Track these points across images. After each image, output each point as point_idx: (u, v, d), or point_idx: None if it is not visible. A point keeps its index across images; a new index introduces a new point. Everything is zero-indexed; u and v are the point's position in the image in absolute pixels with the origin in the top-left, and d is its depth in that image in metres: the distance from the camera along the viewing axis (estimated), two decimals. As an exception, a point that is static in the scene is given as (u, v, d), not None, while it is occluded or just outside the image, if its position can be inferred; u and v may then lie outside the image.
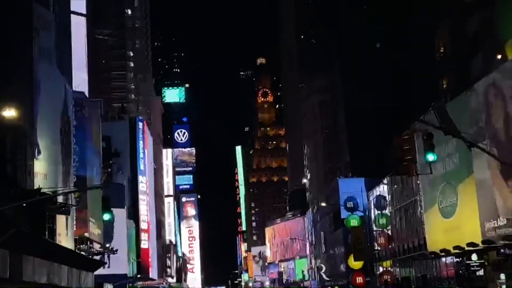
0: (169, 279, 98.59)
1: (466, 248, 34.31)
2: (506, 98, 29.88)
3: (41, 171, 31.38)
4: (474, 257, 34.70)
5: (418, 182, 42.08)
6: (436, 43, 55.29)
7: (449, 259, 40.33)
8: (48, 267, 29.11)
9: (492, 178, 30.98)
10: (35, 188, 29.06)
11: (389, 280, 46.37)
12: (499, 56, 34.84)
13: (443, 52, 54.69)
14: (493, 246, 31.89)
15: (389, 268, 51.41)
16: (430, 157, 22.29)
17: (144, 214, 72.51)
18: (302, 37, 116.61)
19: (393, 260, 52.31)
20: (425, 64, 57.58)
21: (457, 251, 36.09)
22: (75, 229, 38.00)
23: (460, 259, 37.35)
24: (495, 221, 30.97)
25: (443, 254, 39.01)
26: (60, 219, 33.61)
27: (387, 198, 53.36)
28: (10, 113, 22.95)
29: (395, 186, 50.84)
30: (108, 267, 45.23)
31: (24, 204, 25.64)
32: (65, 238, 34.84)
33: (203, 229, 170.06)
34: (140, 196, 71.70)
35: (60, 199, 31.58)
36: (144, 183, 73.59)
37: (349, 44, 77.73)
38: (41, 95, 31.80)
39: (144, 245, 70.27)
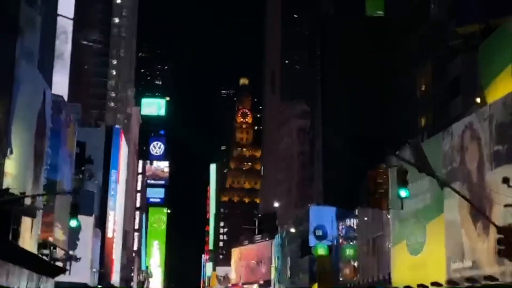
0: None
1: (430, 287, 34.38)
2: (481, 141, 30.20)
3: (11, 171, 30.93)
4: (437, 296, 34.74)
5: (389, 216, 42.19)
6: (418, 81, 55.93)
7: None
8: (8, 269, 28.61)
9: (462, 219, 31.18)
10: (3, 188, 28.64)
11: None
12: (478, 100, 35.26)
13: (424, 91, 55.31)
14: (457, 287, 32.00)
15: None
16: (403, 193, 22.38)
17: (112, 223, 71.81)
18: (286, 61, 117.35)
19: (357, 292, 52.23)
20: (406, 100, 58.16)
21: (420, 289, 36.15)
22: (39, 232, 37.46)
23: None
24: (461, 262, 31.12)
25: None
26: (25, 222, 33.08)
27: (356, 229, 53.41)
28: (-15, 110, 22.65)
29: (366, 218, 50.93)
30: (69, 274, 44.57)
31: (-9, 204, 25.24)
32: (28, 241, 34.29)
33: (169, 243, 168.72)
34: (109, 205, 71.06)
35: (27, 201, 31.14)
36: (115, 192, 72.97)
37: (332, 73, 78.22)
38: (20, 95, 31.46)
39: (108, 255, 69.50)
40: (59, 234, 42.18)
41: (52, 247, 39.75)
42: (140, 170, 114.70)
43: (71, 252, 44.73)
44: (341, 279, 56.98)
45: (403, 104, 58.99)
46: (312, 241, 60.87)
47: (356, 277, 51.99)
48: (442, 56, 48.37)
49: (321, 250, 55.55)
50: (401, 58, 61.20)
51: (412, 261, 37.71)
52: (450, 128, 33.84)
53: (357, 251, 51.82)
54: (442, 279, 32.76)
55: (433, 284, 33.84)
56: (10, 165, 30.76)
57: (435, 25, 51.04)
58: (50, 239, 39.64)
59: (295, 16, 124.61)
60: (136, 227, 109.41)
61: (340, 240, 57.77)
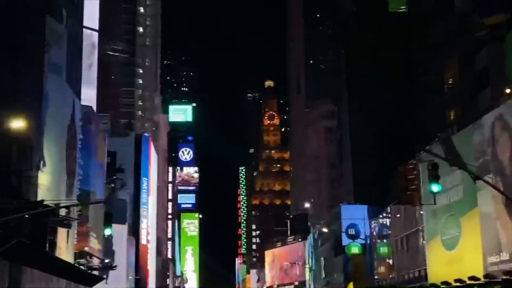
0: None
1: (468, 282, 34.05)
2: (513, 132, 29.86)
3: (45, 183, 31.41)
4: (475, 291, 34.43)
5: (422, 212, 41.91)
6: (445, 75, 55.48)
7: (449, 292, 40.00)
8: (47, 280, 29.03)
9: (496, 212, 30.86)
10: (38, 200, 29.07)
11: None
12: (507, 91, 34.90)
13: (451, 84, 54.85)
14: (495, 281, 31.66)
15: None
16: (435, 187, 22.25)
17: (145, 231, 72.35)
18: (310, 61, 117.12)
19: (393, 290, 51.90)
20: (433, 95, 57.73)
21: (458, 284, 35.82)
22: (75, 242, 37.94)
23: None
24: (498, 256, 30.79)
25: (443, 286, 38.71)
26: (61, 232, 33.56)
27: (389, 227, 53.14)
28: (17, 124, 23.06)
29: (398, 215, 50.63)
30: (106, 283, 45.07)
31: (27, 216, 25.63)
32: (65, 251, 34.77)
33: (203, 248, 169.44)
34: (142, 213, 71.62)
35: (62, 212, 31.57)
36: (146, 200, 73.52)
37: (357, 71, 77.96)
38: (50, 108, 31.94)
39: (143, 262, 70.04)
40: (94, 244, 42.67)
41: (88, 257, 40.23)
42: (170, 176, 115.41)
43: (106, 261, 45.18)
44: (376, 277, 56.70)
45: (430, 99, 58.56)
46: (345, 240, 60.69)
47: (392, 275, 51.71)
48: (468, 48, 47.96)
49: (355, 249, 55.36)
50: (426, 52, 60.78)
51: (448, 256, 37.40)
52: (480, 121, 33.52)
53: (391, 249, 51.53)
54: (479, 273, 32.43)
55: (470, 278, 33.53)
56: (44, 178, 31.24)
57: (460, 17, 50.62)
58: (86, 248, 40.11)
59: (318, 15, 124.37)
60: (169, 233, 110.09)
61: (374, 238, 57.52)
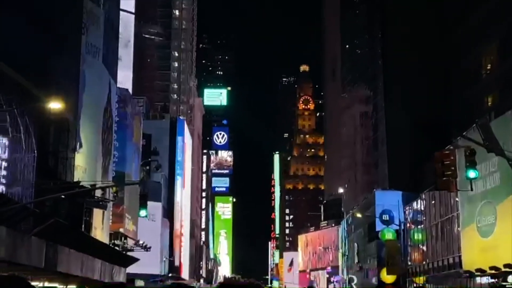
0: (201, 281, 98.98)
1: (503, 269, 33.66)
2: (553, 119, 29.29)
3: (81, 164, 31.85)
4: (510, 278, 34.03)
5: (457, 199, 41.46)
6: (483, 60, 54.54)
7: (484, 279, 39.58)
8: (82, 260, 29.49)
9: (534, 199, 30.38)
10: (74, 181, 29.50)
11: (421, 296, 45.74)
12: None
13: (489, 69, 53.91)
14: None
15: (422, 285, 50.71)
16: (472, 173, 21.95)
17: (179, 213, 72.93)
18: (347, 46, 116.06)
19: (427, 276, 51.59)
20: (471, 80, 56.82)
21: (493, 271, 35.44)
22: (111, 224, 38.43)
23: (496, 280, 36.65)
24: (534, 244, 30.34)
25: (478, 273, 38.34)
26: (97, 213, 34.04)
27: (424, 213, 52.71)
28: (55, 105, 23.30)
29: (433, 201, 50.16)
30: (140, 264, 45.55)
31: (63, 196, 26.03)
32: (100, 232, 35.26)
33: (236, 232, 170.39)
34: (176, 196, 72.16)
35: (98, 193, 31.98)
36: (181, 183, 74.02)
37: (394, 55, 77.09)
38: (86, 90, 32.31)
39: (177, 244, 70.66)
40: (129, 225, 43.17)
41: (123, 238, 40.74)
42: (204, 160, 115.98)
43: (141, 242, 45.68)
44: (409, 263, 56.38)
45: (468, 84, 57.65)
46: (378, 225, 60.39)
47: (425, 261, 51.35)
48: (507, 33, 47.02)
49: (388, 235, 55.05)
50: (464, 36, 59.75)
51: (483, 244, 36.97)
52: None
53: (425, 235, 51.13)
54: (515, 261, 32.03)
55: (505, 266, 33.13)
56: (80, 159, 31.68)
57: (499, 1, 49.61)
58: (121, 230, 40.61)
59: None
60: (203, 216, 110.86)
61: (408, 224, 57.12)
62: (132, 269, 43.47)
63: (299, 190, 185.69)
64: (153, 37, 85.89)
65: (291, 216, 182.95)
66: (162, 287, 44.35)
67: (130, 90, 49.13)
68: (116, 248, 39.66)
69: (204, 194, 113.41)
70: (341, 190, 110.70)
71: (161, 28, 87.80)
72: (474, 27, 56.34)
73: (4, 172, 22.75)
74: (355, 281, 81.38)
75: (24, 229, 22.13)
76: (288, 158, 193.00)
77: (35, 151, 25.02)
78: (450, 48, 64.84)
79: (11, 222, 20.70)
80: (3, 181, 22.72)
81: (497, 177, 34.83)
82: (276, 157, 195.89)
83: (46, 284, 28.18)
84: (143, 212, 43.28)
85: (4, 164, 22.74)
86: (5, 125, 23.15)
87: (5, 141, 22.80)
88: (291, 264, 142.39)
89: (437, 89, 68.54)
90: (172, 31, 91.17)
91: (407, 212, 58.31)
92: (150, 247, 46.92)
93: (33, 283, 23.11)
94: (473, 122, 29.87)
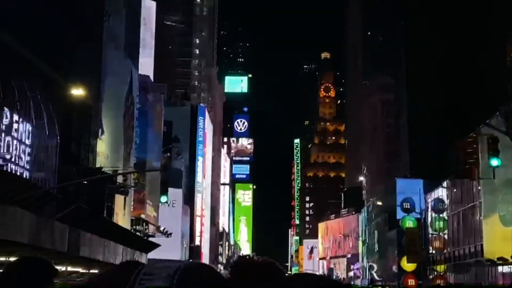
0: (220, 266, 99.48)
1: (525, 259, 33.45)
2: None
3: (103, 150, 32.10)
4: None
5: (479, 187, 41.17)
6: (508, 48, 53.95)
7: (506, 268, 39.37)
8: (104, 244, 29.76)
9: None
10: (96, 167, 29.76)
11: (442, 284, 45.51)
12: None
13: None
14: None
15: (443, 273, 50.52)
16: (494, 162, 21.79)
17: (200, 200, 73.25)
18: (368, 33, 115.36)
19: (448, 265, 51.40)
20: (494, 68, 56.24)
21: (515, 260, 35.23)
22: (132, 209, 38.72)
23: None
24: (557, 233, 30.07)
25: (500, 262, 38.11)
26: (119, 199, 34.31)
27: (445, 201, 52.39)
28: (78, 91, 23.49)
29: (455, 190, 49.87)
30: (162, 249, 45.83)
31: (85, 182, 26.27)
32: (122, 217, 35.56)
33: (256, 219, 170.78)
34: (197, 182, 72.45)
35: (119, 179, 32.24)
36: (201, 169, 74.29)
37: (416, 43, 76.49)
38: (108, 76, 32.49)
39: (197, 230, 71.04)
40: (150, 211, 43.46)
41: (144, 223, 41.03)
42: (225, 147, 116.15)
43: (162, 228, 45.94)
44: (430, 251, 56.17)
45: (491, 72, 57.06)
46: (399, 214, 60.16)
47: (446, 250, 51.12)
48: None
49: (409, 223, 54.78)
50: (489, 24, 59.09)
51: (505, 232, 36.71)
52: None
53: (447, 223, 50.86)
54: (537, 250, 31.78)
55: (527, 255, 32.92)
56: (102, 145, 31.93)
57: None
58: (142, 215, 40.90)
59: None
60: (223, 203, 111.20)
61: (429, 212, 56.84)
62: (153, 254, 43.74)
63: (319, 178, 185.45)
64: (174, 24, 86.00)
65: (311, 204, 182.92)
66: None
67: (152, 77, 49.26)
68: (138, 233, 39.96)
69: (224, 181, 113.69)
70: (362, 178, 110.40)
71: (182, 15, 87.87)
72: (499, 15, 55.70)
73: (28, 158, 23.00)
74: (375, 268, 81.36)
75: (48, 214, 22.38)
76: (309, 146, 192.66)
77: (58, 137, 25.26)
78: (473, 36, 64.19)
79: (35, 207, 20.94)
80: (27, 166, 22.97)
81: (520, 166, 34.48)
82: (297, 144, 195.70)
83: (69, 268, 28.50)
84: (164, 198, 43.60)
85: (27, 150, 22.98)
86: (28, 111, 23.38)
87: (28, 127, 23.03)
88: (311, 251, 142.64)
89: (461, 76, 67.94)
90: (194, 18, 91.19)
91: (428, 200, 58.01)
92: (171, 233, 47.13)
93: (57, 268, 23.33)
94: (496, 110, 29.63)
